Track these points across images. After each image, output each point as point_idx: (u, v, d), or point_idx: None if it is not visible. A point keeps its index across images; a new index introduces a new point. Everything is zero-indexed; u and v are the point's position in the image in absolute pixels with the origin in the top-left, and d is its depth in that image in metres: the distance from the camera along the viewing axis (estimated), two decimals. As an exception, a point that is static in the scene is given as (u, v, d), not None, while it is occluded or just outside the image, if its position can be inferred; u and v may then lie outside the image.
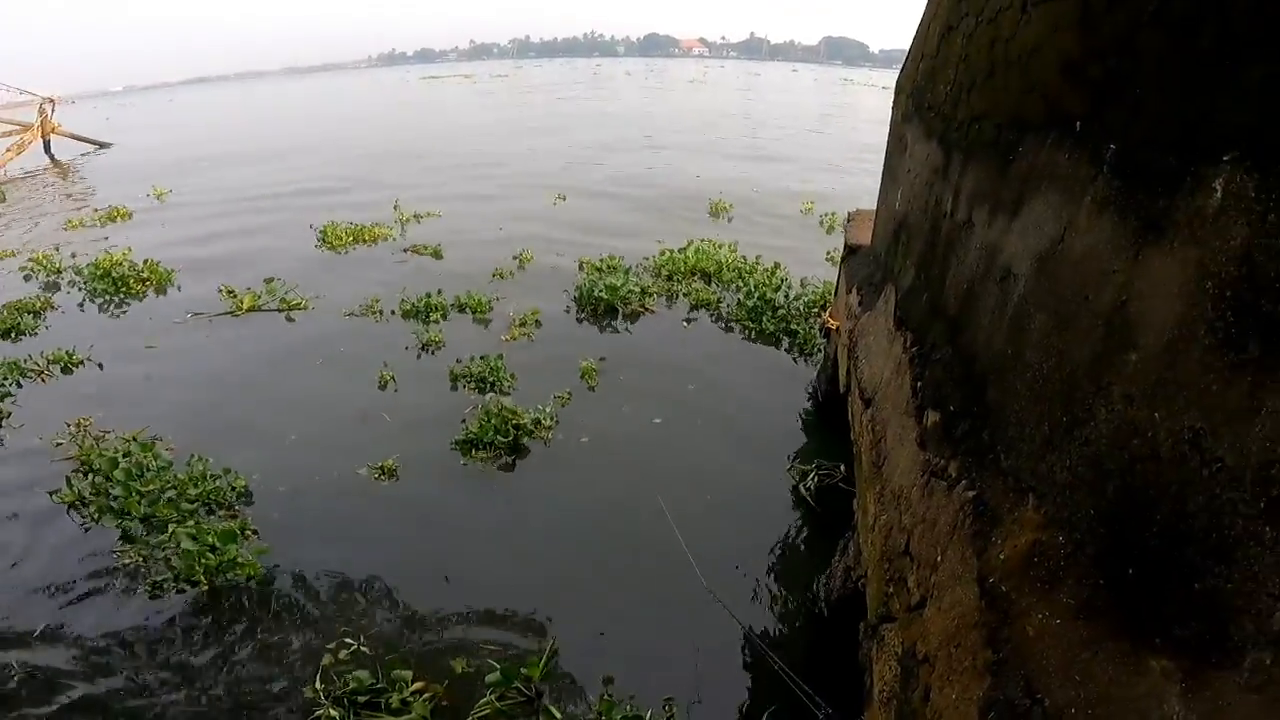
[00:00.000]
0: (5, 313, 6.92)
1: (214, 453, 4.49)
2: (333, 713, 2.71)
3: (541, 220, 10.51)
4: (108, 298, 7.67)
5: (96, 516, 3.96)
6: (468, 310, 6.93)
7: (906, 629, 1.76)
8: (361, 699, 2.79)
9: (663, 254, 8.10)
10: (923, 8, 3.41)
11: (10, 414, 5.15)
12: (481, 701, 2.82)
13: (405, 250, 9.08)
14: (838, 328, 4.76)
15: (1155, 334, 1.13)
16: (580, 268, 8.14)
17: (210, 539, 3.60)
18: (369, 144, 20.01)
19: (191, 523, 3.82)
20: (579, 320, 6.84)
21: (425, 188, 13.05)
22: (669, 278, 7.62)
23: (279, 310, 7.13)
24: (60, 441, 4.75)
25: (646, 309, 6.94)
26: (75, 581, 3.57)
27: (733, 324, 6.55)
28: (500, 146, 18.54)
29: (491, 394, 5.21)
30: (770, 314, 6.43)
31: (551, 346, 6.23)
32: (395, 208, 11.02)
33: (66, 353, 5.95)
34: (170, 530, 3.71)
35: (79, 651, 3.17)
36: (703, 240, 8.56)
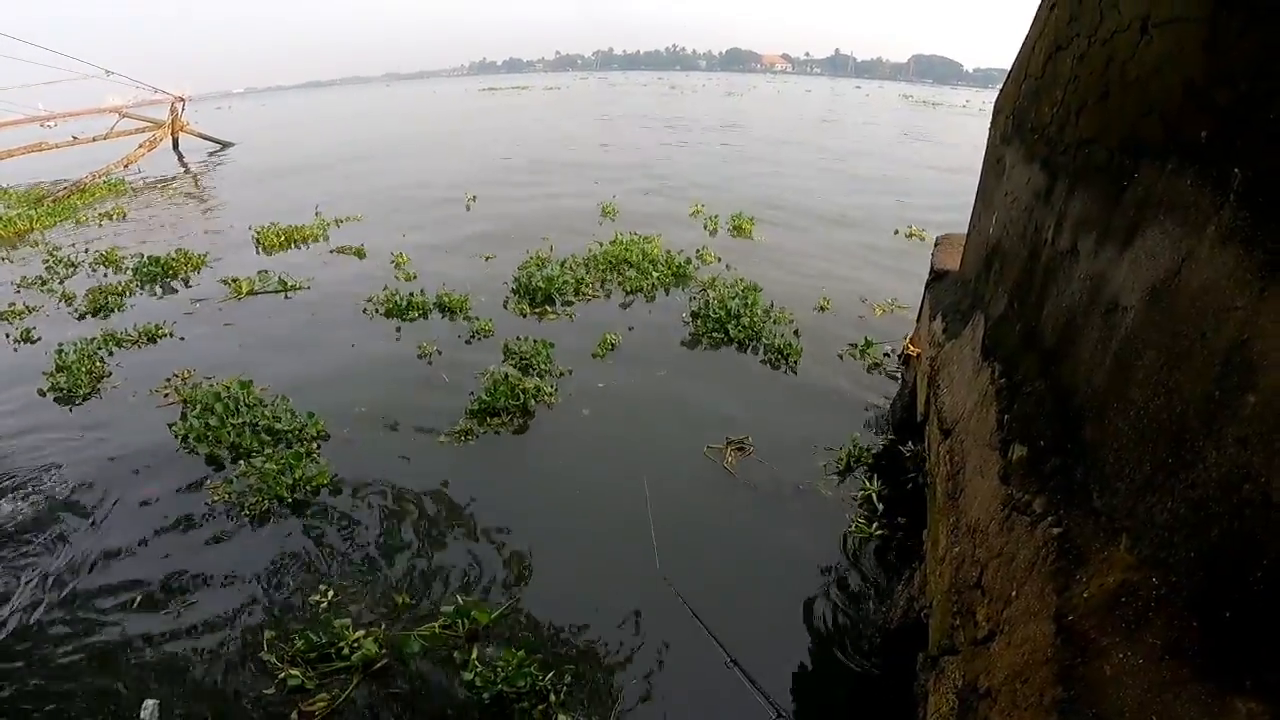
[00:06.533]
0: (92, 295, 7.94)
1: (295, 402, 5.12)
2: (293, 672, 2.93)
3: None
4: (158, 281, 8.59)
5: (192, 444, 4.60)
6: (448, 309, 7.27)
7: (970, 662, 1.69)
8: (313, 655, 3.02)
9: (589, 250, 8.90)
10: (1025, 26, 3.28)
11: (111, 373, 5.98)
12: (429, 624, 3.15)
13: (332, 251, 9.67)
14: (918, 355, 4.59)
15: (1276, 376, 1.06)
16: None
17: (284, 462, 4.27)
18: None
19: (269, 452, 4.47)
20: (519, 313, 7.19)
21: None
22: (602, 269, 8.28)
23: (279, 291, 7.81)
24: (167, 391, 5.51)
25: (586, 295, 7.63)
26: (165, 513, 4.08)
27: (699, 338, 6.61)
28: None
29: (531, 376, 5.59)
30: (735, 323, 6.62)
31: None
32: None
33: (154, 325, 6.81)
34: (245, 463, 4.34)
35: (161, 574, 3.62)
36: (632, 235, 9.33)
